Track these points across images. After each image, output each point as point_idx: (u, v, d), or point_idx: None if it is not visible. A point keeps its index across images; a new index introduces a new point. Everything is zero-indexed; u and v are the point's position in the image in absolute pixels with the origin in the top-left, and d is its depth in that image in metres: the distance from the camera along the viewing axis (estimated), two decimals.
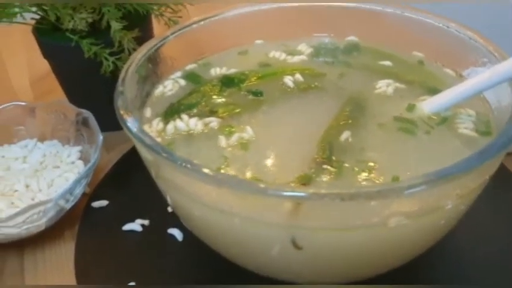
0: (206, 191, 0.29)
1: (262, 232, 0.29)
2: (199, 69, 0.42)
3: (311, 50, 0.43)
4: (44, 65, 0.55)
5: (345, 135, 0.34)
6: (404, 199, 0.27)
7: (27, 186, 0.43)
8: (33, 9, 0.46)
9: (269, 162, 0.33)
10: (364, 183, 0.30)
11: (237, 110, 0.37)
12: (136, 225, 0.41)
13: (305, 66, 0.41)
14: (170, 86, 0.40)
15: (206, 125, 0.36)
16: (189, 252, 0.39)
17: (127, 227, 0.41)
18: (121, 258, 0.39)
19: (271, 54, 0.43)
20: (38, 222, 0.40)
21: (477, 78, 0.34)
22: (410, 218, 0.28)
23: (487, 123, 0.35)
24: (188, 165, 0.27)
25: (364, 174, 0.31)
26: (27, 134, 0.49)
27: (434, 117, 0.35)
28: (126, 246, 0.40)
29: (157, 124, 0.36)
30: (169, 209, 0.43)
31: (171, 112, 0.37)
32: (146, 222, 0.42)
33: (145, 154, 0.31)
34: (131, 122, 0.31)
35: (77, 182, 0.40)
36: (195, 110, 0.37)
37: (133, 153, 0.49)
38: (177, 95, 0.39)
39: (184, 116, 0.36)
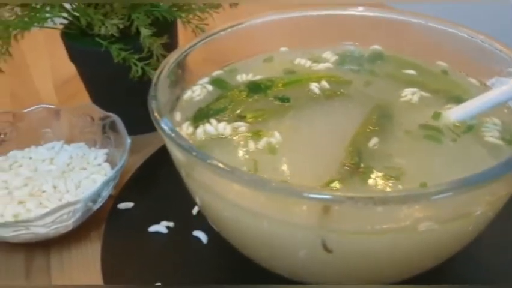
0: (239, 193, 0.30)
1: (294, 234, 0.30)
2: (226, 75, 0.43)
3: (336, 57, 0.44)
4: (67, 69, 0.56)
5: (373, 141, 0.34)
6: (435, 204, 0.28)
7: (54, 187, 0.44)
8: (64, 14, 0.47)
9: (297, 166, 0.34)
10: (393, 188, 0.31)
11: (265, 116, 0.38)
12: (161, 227, 0.42)
13: (331, 73, 0.42)
14: (198, 91, 0.41)
15: (235, 129, 0.36)
16: (214, 255, 0.40)
17: (153, 228, 0.42)
18: (147, 259, 0.40)
19: (297, 61, 0.44)
20: (67, 223, 0.40)
21: (502, 88, 0.35)
22: (439, 223, 0.28)
23: None
24: (226, 168, 0.28)
25: (392, 180, 0.32)
26: (54, 136, 0.50)
27: (459, 125, 0.36)
28: (152, 248, 0.41)
29: (187, 128, 0.37)
30: (194, 212, 0.43)
31: (200, 116, 0.38)
32: (171, 224, 0.43)
33: (178, 155, 0.32)
34: (165, 124, 0.32)
35: (105, 184, 0.41)
36: (223, 115, 0.38)
37: (157, 157, 0.51)
38: (205, 100, 0.40)
39: (213, 121, 0.37)
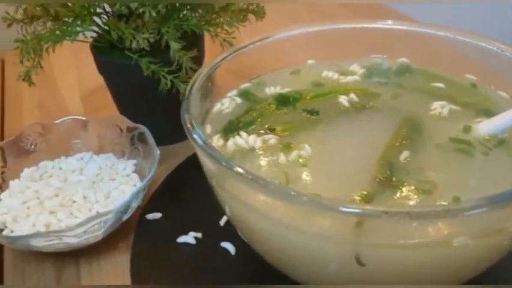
0: (272, 205, 0.30)
1: (327, 248, 0.30)
2: (254, 88, 0.44)
3: (363, 70, 0.44)
4: (93, 81, 0.57)
5: (404, 154, 0.34)
6: (470, 220, 0.28)
7: (84, 197, 0.45)
8: (94, 28, 0.48)
9: (328, 179, 0.34)
10: (425, 202, 0.31)
11: (294, 128, 0.38)
12: (189, 238, 0.43)
13: (359, 86, 0.42)
14: (227, 104, 0.42)
15: (265, 142, 0.37)
16: (242, 266, 0.40)
17: (181, 239, 0.43)
18: (176, 270, 0.40)
19: (324, 74, 0.44)
20: (97, 233, 0.41)
21: None
22: (473, 239, 0.28)
23: None
24: (260, 181, 0.28)
25: (425, 194, 0.32)
26: (83, 147, 0.51)
27: (490, 139, 0.36)
28: (181, 258, 0.41)
29: (218, 140, 0.38)
30: (221, 223, 0.44)
31: (230, 129, 0.38)
32: (199, 235, 0.43)
33: (211, 166, 0.32)
34: (198, 135, 0.33)
35: (134, 195, 0.42)
36: (253, 127, 0.38)
37: (183, 167, 0.51)
38: (234, 113, 0.41)
39: (243, 133, 0.38)
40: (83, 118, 0.50)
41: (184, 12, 0.48)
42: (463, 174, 0.34)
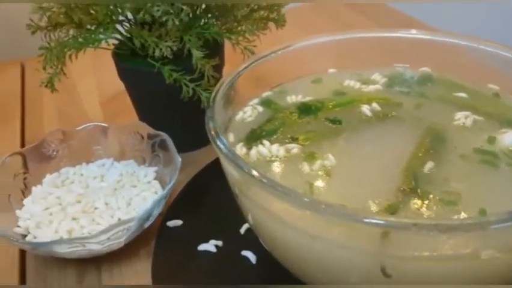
0: (296, 214, 0.30)
1: (352, 258, 0.30)
2: (275, 96, 0.44)
3: (385, 79, 0.44)
4: (112, 87, 0.57)
5: (429, 165, 0.34)
6: (499, 232, 0.27)
7: (106, 204, 0.45)
8: (117, 35, 0.49)
9: (353, 189, 0.34)
10: (450, 214, 0.31)
11: (317, 138, 0.38)
12: (210, 246, 0.43)
13: (381, 95, 0.42)
14: (249, 112, 0.42)
15: (288, 151, 0.37)
16: (264, 275, 0.40)
17: (202, 247, 0.43)
18: (198, 278, 0.40)
19: (346, 83, 0.45)
20: (120, 240, 0.41)
21: None
22: (502, 252, 0.28)
23: None
24: (285, 190, 0.28)
25: (450, 205, 0.32)
26: (104, 153, 0.51)
27: None
28: (202, 266, 0.41)
29: (241, 149, 0.38)
30: (242, 231, 0.44)
31: (253, 138, 0.39)
32: (219, 243, 0.43)
33: (235, 173, 0.32)
34: (223, 143, 0.33)
35: (156, 202, 0.42)
36: (275, 136, 0.39)
37: (203, 175, 0.51)
38: (256, 121, 0.41)
39: (266, 142, 0.38)
40: (104, 124, 0.51)
41: (206, 20, 0.48)
42: (487, 185, 0.34)
